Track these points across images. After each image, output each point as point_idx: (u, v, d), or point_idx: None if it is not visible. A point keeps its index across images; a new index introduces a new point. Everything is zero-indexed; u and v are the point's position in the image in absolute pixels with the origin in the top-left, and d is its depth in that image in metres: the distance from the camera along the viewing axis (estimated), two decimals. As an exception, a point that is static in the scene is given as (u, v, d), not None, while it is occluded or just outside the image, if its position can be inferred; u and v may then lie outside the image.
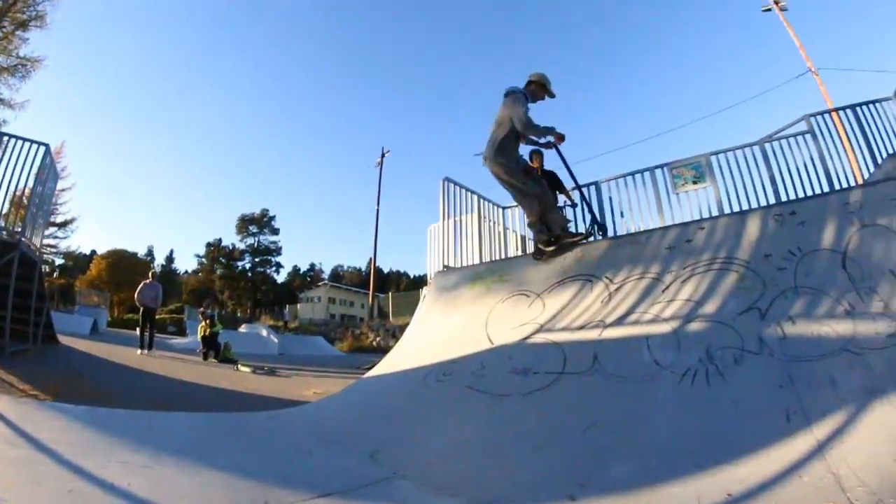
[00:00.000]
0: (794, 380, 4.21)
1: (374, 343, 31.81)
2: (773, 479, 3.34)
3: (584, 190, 7.68)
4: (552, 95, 6.63)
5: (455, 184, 8.00)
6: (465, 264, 7.68)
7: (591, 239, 6.64)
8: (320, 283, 74.72)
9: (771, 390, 4.19)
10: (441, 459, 4.14)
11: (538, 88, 6.62)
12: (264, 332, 26.51)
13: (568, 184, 7.89)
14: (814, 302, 4.90)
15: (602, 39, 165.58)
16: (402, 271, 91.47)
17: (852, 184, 7.28)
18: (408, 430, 4.78)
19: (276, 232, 74.14)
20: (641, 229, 7.40)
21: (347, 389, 6.39)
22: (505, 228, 8.86)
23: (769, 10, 24.81)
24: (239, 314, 61.32)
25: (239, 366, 12.77)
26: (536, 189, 6.64)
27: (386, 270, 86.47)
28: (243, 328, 30.95)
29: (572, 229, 7.52)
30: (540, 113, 6.90)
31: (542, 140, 6.70)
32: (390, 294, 45.88)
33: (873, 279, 4.89)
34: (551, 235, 6.64)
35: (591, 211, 6.93)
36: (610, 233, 7.76)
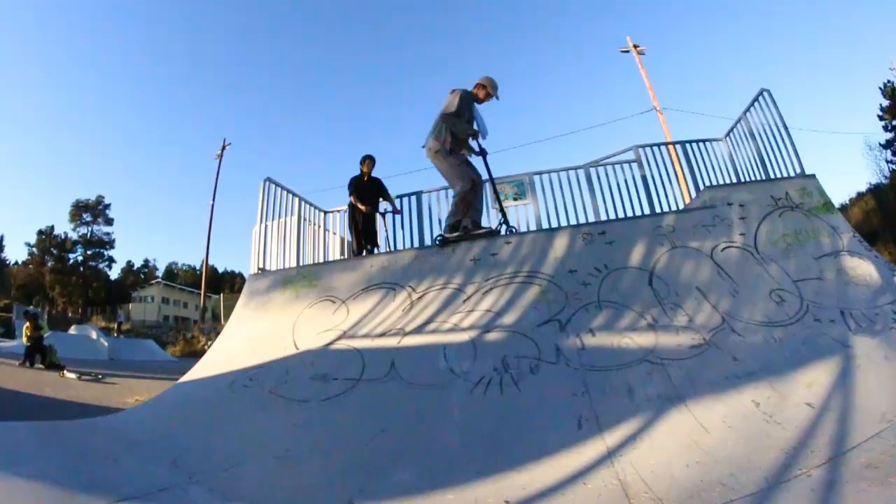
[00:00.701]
0: (590, 388, 4.32)
1: (207, 347, 29.61)
2: (555, 486, 3.36)
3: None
4: (496, 97, 6.97)
5: (277, 185, 7.74)
6: (281, 267, 7.45)
7: (501, 233, 6.67)
8: (153, 282, 69.56)
9: (565, 398, 4.27)
10: (236, 465, 4.02)
11: (479, 90, 6.94)
12: (94, 335, 24.60)
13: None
14: (616, 315, 5.12)
15: (457, 59, 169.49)
16: (237, 271, 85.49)
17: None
18: (210, 436, 4.60)
19: (110, 222, 65.51)
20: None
21: (160, 395, 6.05)
22: (325, 231, 8.71)
23: (627, 51, 26.48)
24: (70, 314, 55.82)
25: (65, 372, 11.77)
26: (464, 181, 6.71)
27: (221, 270, 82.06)
28: (73, 330, 28.29)
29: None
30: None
31: (462, 134, 6.78)
32: (221, 296, 43.80)
33: (680, 296, 5.22)
34: (460, 224, 6.66)
35: (501, 209, 6.92)
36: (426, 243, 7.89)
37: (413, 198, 8.00)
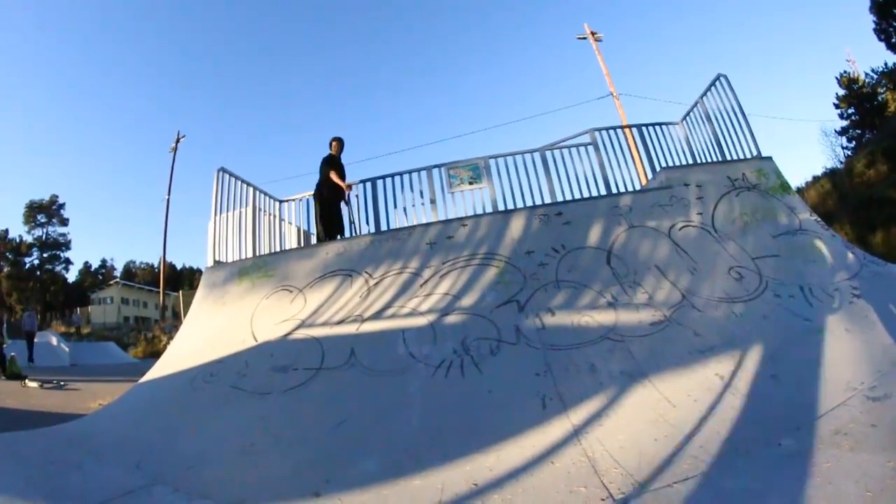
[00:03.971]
0: (552, 367, 4.31)
1: (168, 346, 29.00)
2: (522, 467, 3.33)
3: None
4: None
5: (231, 175, 7.54)
6: (236, 259, 7.27)
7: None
8: (112, 282, 66.39)
9: (527, 378, 4.25)
10: (200, 463, 3.96)
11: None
12: (55, 341, 23.92)
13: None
14: (575, 294, 5.13)
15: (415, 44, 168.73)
16: (196, 267, 79.80)
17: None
18: (172, 435, 4.51)
19: (65, 222, 62.99)
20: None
21: (122, 398, 5.89)
22: (281, 221, 8.53)
23: (584, 38, 26.58)
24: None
25: (27, 381, 11.31)
26: None
27: (179, 266, 79.19)
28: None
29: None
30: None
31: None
32: (181, 293, 42.76)
33: (639, 274, 5.25)
34: None
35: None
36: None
37: (368, 184, 7.85)
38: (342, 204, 8.11)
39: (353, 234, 7.55)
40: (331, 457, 3.78)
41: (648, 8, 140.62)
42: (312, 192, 8.02)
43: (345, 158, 8.19)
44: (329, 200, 7.84)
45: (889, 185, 14.78)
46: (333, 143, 8.19)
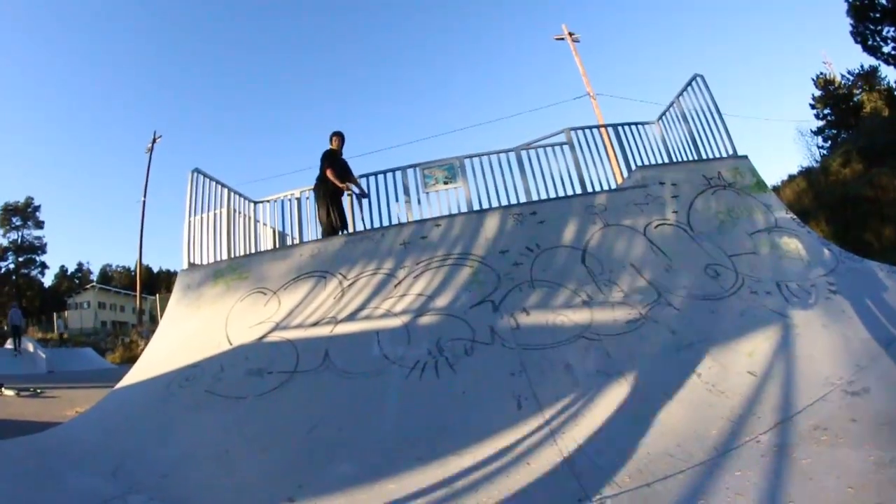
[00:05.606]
0: (527, 367, 4.29)
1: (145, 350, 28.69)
2: (498, 468, 3.31)
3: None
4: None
5: (206, 176, 7.43)
6: (211, 261, 7.18)
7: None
8: (88, 286, 64.34)
9: (503, 379, 4.23)
10: (175, 470, 3.91)
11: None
12: (31, 348, 23.67)
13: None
14: (550, 294, 5.10)
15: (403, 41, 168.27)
16: (173, 270, 79.14)
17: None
18: (149, 442, 4.45)
19: (41, 225, 61.05)
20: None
21: (98, 404, 5.80)
22: (256, 222, 8.43)
23: (561, 39, 26.66)
24: (5, 327, 52.46)
25: (3, 389, 11.07)
26: None
27: (156, 269, 76.77)
28: (8, 344, 27.13)
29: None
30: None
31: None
32: (157, 296, 42.07)
33: (614, 272, 5.23)
34: None
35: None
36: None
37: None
38: (352, 198, 8.03)
39: (355, 231, 7.47)
40: (305, 461, 3.75)
41: (626, 8, 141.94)
42: (312, 187, 7.90)
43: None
44: (332, 195, 7.70)
45: (864, 183, 14.98)
46: (334, 139, 8.04)
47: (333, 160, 7.74)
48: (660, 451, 3.21)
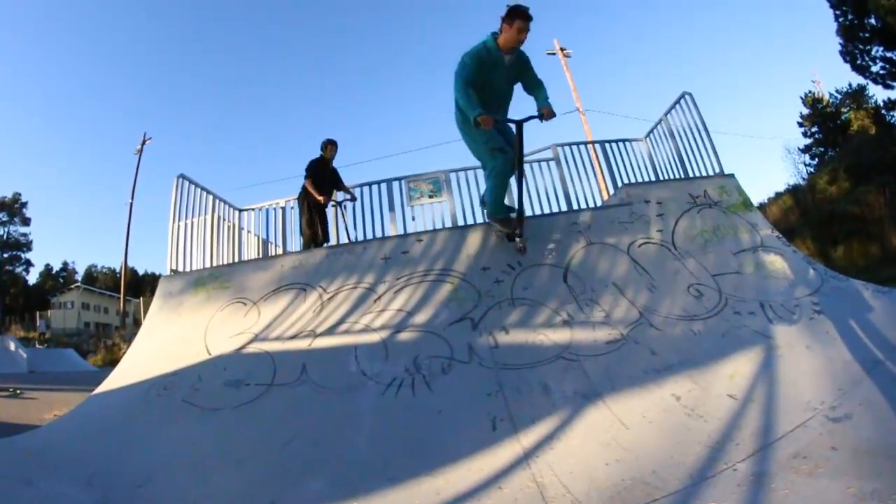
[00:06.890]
0: (504, 387, 4.24)
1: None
2: (469, 492, 3.25)
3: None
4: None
5: (191, 182, 7.37)
6: (195, 268, 7.11)
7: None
8: (73, 286, 64.00)
9: (479, 398, 4.18)
10: (150, 481, 3.85)
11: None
12: (12, 346, 23.39)
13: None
14: (530, 312, 5.06)
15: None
16: (158, 273, 78.10)
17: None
18: (125, 451, 4.36)
19: (27, 222, 59.91)
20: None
21: (76, 409, 5.70)
22: (240, 230, 8.38)
23: (553, 54, 26.78)
24: None
25: None
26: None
27: (142, 272, 75.42)
28: (-14, 340, 26.85)
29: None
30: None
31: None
32: (142, 300, 41.65)
33: (596, 291, 5.19)
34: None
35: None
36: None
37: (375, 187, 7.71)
38: (331, 207, 8.02)
39: (338, 243, 7.51)
40: (279, 476, 3.70)
41: (616, 24, 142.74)
42: (297, 196, 7.85)
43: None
44: (315, 206, 7.65)
45: (850, 201, 15.13)
46: (327, 147, 8.03)
47: (316, 171, 7.71)
48: (634, 478, 3.15)
